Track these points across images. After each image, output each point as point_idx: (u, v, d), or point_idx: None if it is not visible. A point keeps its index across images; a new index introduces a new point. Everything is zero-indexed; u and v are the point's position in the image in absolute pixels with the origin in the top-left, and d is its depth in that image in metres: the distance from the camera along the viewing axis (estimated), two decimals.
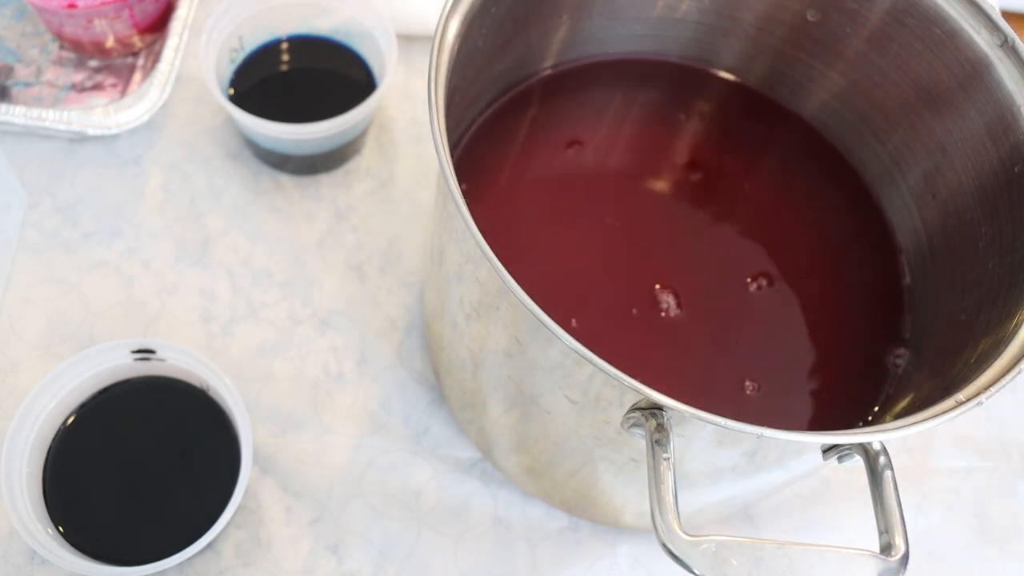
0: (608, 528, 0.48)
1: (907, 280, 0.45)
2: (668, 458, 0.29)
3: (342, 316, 0.51)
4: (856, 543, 0.30)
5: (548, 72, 0.48)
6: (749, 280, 0.45)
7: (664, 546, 0.28)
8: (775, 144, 0.50)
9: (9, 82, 0.56)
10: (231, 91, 0.55)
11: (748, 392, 0.42)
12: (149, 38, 0.58)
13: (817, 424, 0.42)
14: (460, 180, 0.31)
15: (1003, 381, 0.31)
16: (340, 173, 0.56)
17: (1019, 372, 0.31)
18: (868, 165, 0.47)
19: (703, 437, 0.31)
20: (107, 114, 0.53)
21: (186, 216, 0.53)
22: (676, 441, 0.30)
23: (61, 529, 0.42)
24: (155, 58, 0.56)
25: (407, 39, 0.60)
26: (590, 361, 0.29)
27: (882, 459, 0.31)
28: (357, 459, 0.48)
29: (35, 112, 0.53)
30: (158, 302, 0.51)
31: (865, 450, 0.31)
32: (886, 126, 0.45)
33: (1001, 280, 0.37)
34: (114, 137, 0.55)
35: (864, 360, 0.44)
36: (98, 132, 0.53)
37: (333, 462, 0.48)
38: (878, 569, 0.29)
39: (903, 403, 0.40)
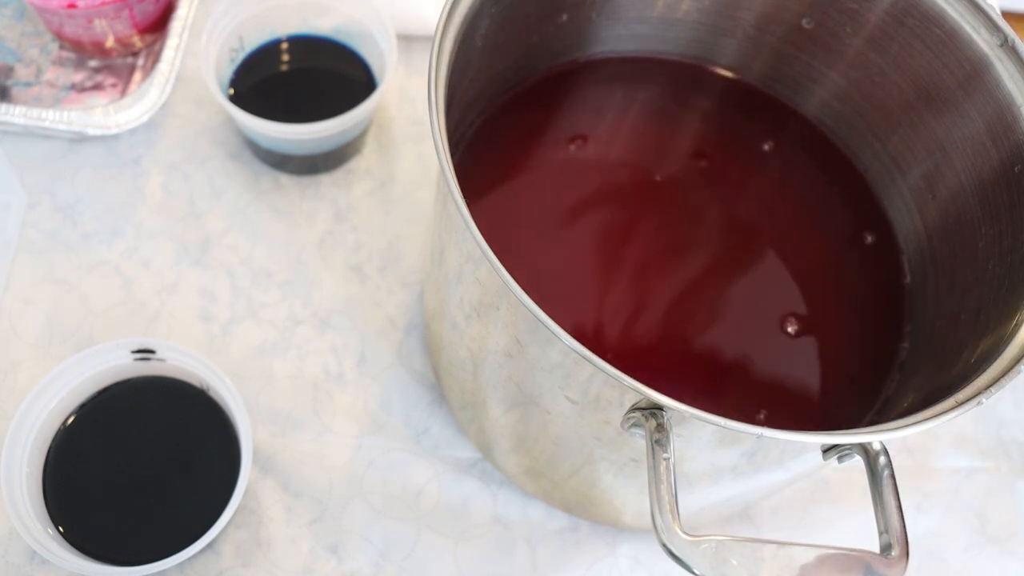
0: (608, 528, 0.47)
1: (907, 280, 0.45)
2: (668, 458, 0.29)
3: (342, 316, 0.51)
4: (856, 543, 0.30)
5: (548, 72, 0.48)
6: (749, 278, 0.45)
7: (664, 546, 0.28)
8: (777, 142, 0.50)
9: (9, 82, 0.56)
10: (231, 91, 0.55)
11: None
12: (149, 38, 0.58)
13: (817, 424, 0.42)
14: (460, 180, 0.31)
15: (1003, 381, 0.31)
16: (340, 173, 0.56)
17: (1019, 372, 0.31)
18: (868, 165, 0.47)
19: (703, 437, 0.31)
20: (107, 114, 0.53)
21: (186, 216, 0.53)
22: (676, 441, 0.30)
23: (61, 529, 0.42)
24: (155, 58, 0.56)
25: (407, 39, 0.60)
26: (590, 361, 0.29)
27: (882, 459, 0.31)
28: (357, 459, 0.48)
29: (35, 112, 0.53)
30: (158, 302, 0.51)
31: (865, 450, 0.31)
32: (886, 126, 0.45)
33: (1001, 280, 0.37)
34: (114, 137, 0.55)
35: (864, 360, 0.44)
36: (98, 132, 0.53)
37: (333, 462, 0.48)
38: (878, 569, 0.29)
39: (903, 403, 0.40)
